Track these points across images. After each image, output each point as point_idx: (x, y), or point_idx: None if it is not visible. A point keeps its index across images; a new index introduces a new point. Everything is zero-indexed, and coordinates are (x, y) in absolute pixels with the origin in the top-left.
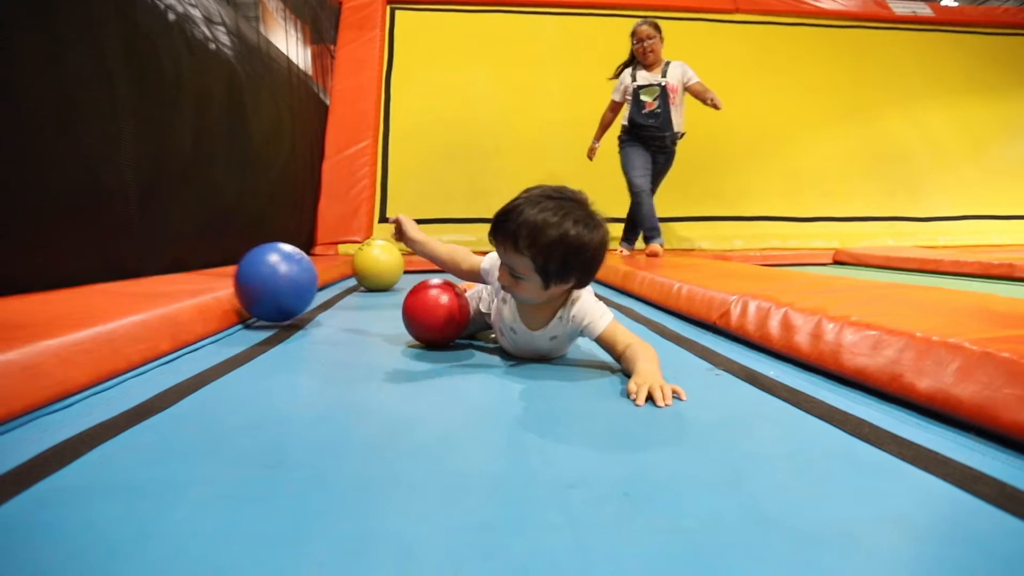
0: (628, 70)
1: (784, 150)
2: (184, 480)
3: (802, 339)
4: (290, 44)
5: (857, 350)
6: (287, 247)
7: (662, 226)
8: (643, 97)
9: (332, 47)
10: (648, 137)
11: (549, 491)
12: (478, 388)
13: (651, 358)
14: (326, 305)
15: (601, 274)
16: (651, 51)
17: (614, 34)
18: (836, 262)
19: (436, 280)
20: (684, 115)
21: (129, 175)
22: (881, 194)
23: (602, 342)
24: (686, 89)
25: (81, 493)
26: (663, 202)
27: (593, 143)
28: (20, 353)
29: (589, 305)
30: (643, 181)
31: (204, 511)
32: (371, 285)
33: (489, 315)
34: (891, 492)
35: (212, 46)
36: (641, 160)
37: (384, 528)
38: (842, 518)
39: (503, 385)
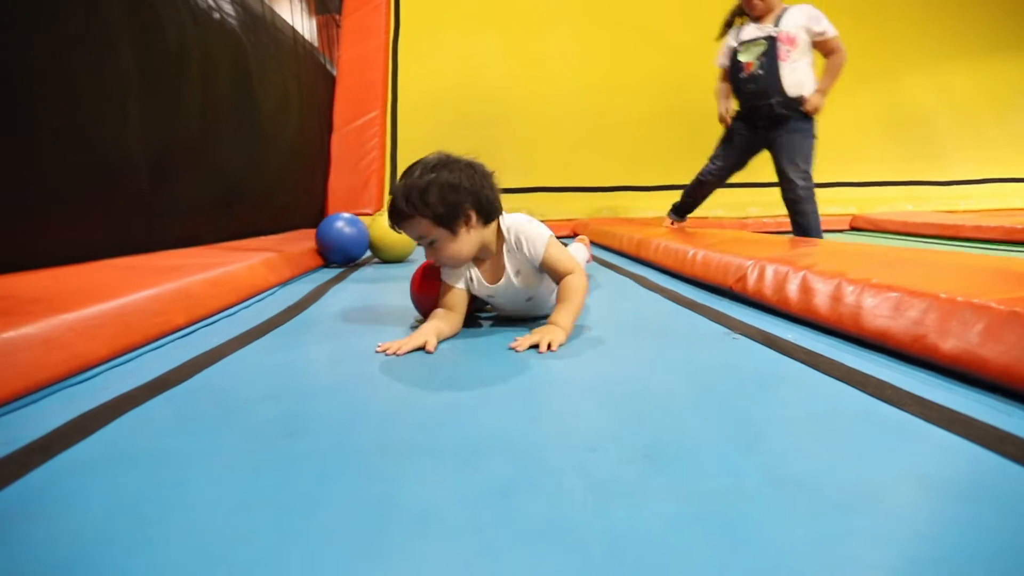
0: (734, 28)
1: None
2: (203, 450)
3: (821, 302)
4: (295, 14)
5: (879, 312)
6: (347, 215)
7: (672, 193)
8: (741, 57)
9: (338, 17)
10: (750, 109)
11: (567, 455)
12: (492, 357)
13: (571, 311)
14: (338, 278)
15: (615, 242)
16: None
17: None
18: (853, 228)
19: None
20: (812, 72)
21: (137, 149)
22: (900, 158)
23: (546, 267)
24: (814, 44)
25: (104, 463)
26: (673, 170)
27: (720, 110)
28: (39, 327)
29: (523, 226)
30: (710, 168)
31: (224, 479)
32: (385, 256)
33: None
34: (914, 452)
35: (216, 15)
36: (725, 149)
37: (403, 492)
38: (864, 479)
39: (517, 354)
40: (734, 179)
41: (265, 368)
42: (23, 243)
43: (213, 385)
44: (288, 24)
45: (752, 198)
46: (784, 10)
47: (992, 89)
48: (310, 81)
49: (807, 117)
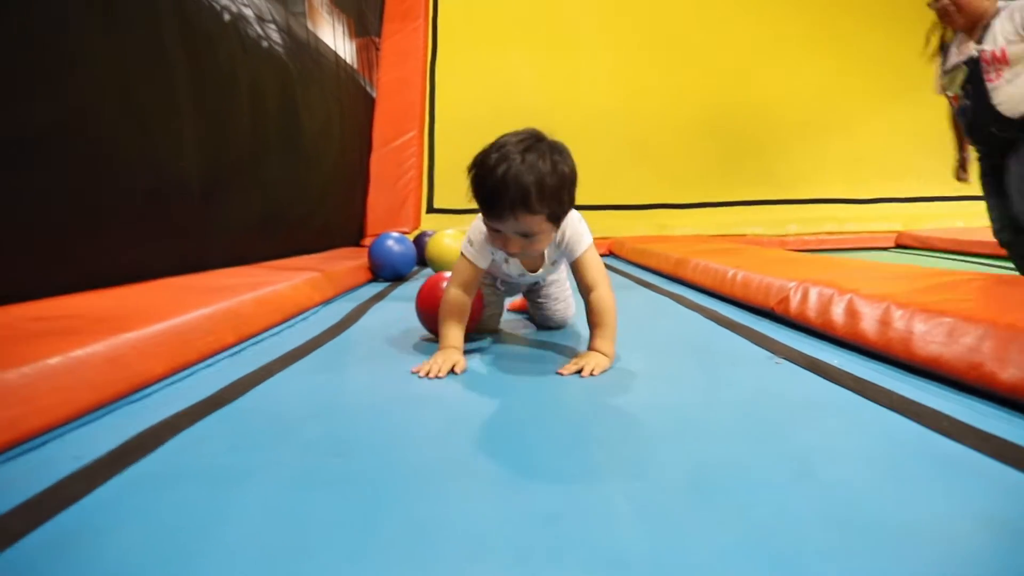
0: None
1: (842, 128)
2: (258, 467)
3: (868, 326)
4: (336, 38)
5: (930, 338)
6: (395, 234)
7: (709, 211)
8: (947, 92)
9: (377, 39)
10: (980, 143)
11: (614, 482)
12: (535, 379)
13: (610, 336)
14: (378, 296)
15: (653, 261)
16: (954, 6)
17: (656, 13)
18: (899, 246)
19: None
20: None
21: (192, 172)
22: (950, 173)
23: (576, 268)
24: None
25: (166, 478)
26: (710, 187)
27: (957, 164)
28: (105, 345)
29: (574, 222)
30: (995, 229)
31: (279, 496)
32: (442, 268)
33: (498, 290)
34: (975, 489)
35: (265, 44)
36: (990, 195)
37: (451, 514)
38: (922, 515)
39: (558, 376)
40: (771, 195)
41: (313, 386)
42: (90, 263)
43: (263, 403)
44: (330, 49)
45: (791, 215)
46: (994, 18)
47: None
48: (351, 103)
49: None
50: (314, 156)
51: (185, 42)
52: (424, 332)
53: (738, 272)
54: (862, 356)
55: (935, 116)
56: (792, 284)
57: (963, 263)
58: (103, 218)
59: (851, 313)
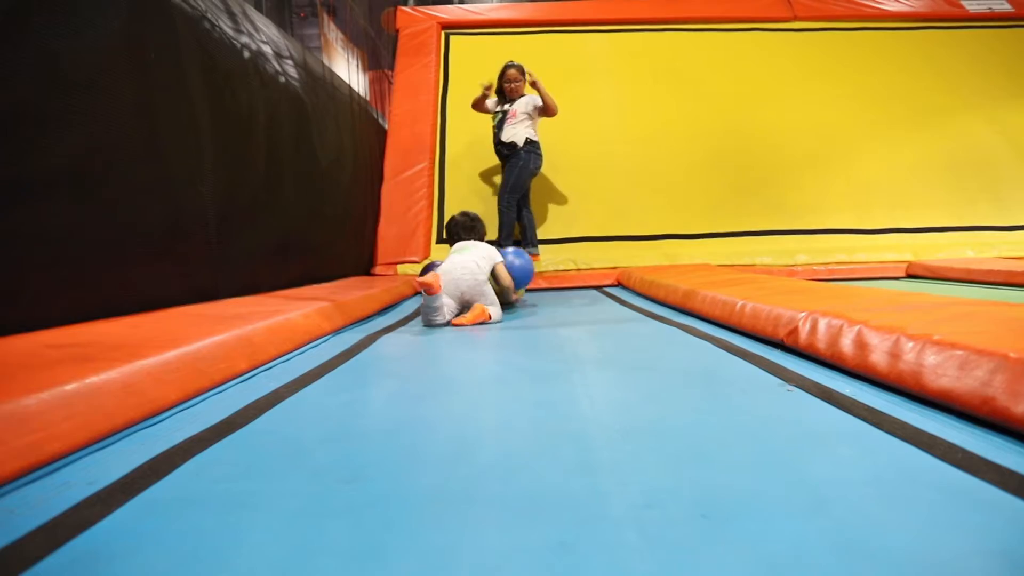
0: None
1: (849, 159)
2: (270, 493)
3: (879, 359)
4: (350, 72)
5: (942, 371)
6: (514, 249)
7: (718, 241)
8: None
9: (389, 72)
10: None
11: (625, 510)
12: (543, 403)
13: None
14: (390, 328)
15: (661, 293)
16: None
17: (664, 48)
18: (910, 275)
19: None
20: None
21: (209, 203)
22: (959, 203)
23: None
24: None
25: (178, 504)
26: (719, 218)
27: None
28: (120, 372)
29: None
30: None
31: (291, 524)
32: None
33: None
34: (992, 524)
35: (282, 79)
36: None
37: (463, 543)
38: (939, 551)
39: (569, 400)
40: (781, 226)
41: (323, 411)
42: (108, 291)
43: (275, 427)
44: (344, 82)
45: (801, 245)
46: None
47: None
48: (363, 134)
49: None
50: (327, 187)
51: (206, 79)
52: (436, 357)
53: (747, 303)
54: (875, 386)
55: (941, 147)
56: (801, 315)
57: (975, 291)
58: (122, 248)
59: (860, 345)
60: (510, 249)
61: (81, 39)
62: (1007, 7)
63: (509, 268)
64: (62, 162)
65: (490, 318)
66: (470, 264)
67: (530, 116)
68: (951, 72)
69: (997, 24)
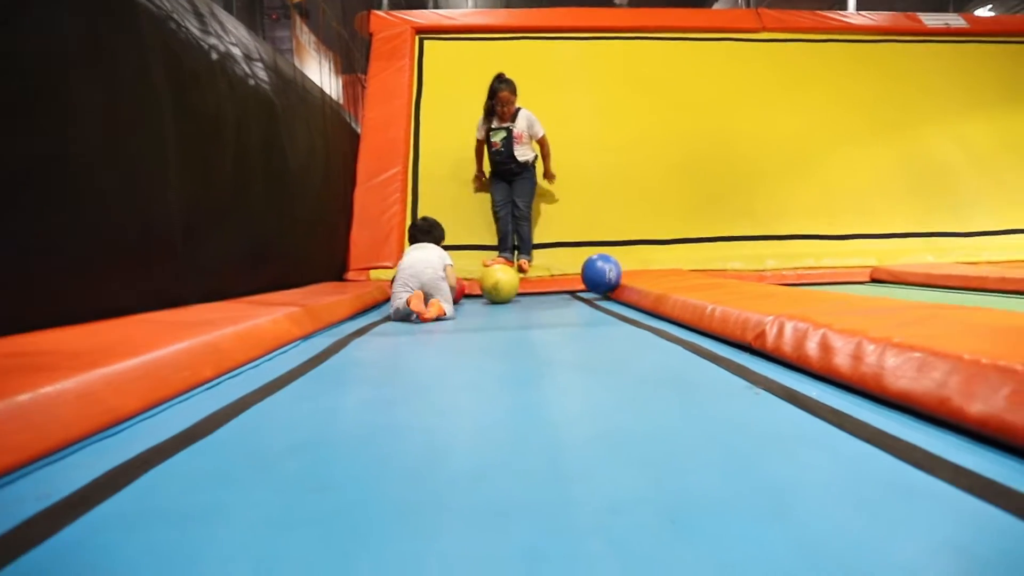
0: None
1: (815, 168)
2: (233, 504)
3: (842, 361)
4: (322, 75)
5: (901, 372)
6: (601, 255)
7: (690, 247)
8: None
9: (363, 76)
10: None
11: (591, 516)
12: (515, 409)
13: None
14: (361, 331)
15: (633, 298)
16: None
17: (636, 56)
18: (874, 280)
19: None
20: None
21: (174, 208)
22: (919, 210)
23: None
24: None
25: (136, 518)
26: (691, 224)
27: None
28: (75, 381)
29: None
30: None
31: (254, 535)
32: (492, 299)
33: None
34: (950, 522)
35: (251, 82)
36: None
37: (431, 552)
38: (899, 550)
39: (540, 405)
40: (750, 231)
41: (291, 418)
42: (69, 299)
43: (240, 436)
44: (316, 85)
45: (770, 250)
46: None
47: (1012, 139)
48: (335, 138)
49: None
50: (298, 191)
51: (172, 81)
52: (407, 361)
53: (716, 307)
54: (839, 388)
55: (902, 156)
56: (768, 319)
57: (934, 295)
58: (84, 255)
59: (825, 348)
60: (596, 255)
61: (42, 39)
62: (963, 23)
63: (602, 272)
64: (20, 166)
65: (446, 314)
66: (432, 259)
67: (530, 137)
68: (911, 84)
69: (953, 39)
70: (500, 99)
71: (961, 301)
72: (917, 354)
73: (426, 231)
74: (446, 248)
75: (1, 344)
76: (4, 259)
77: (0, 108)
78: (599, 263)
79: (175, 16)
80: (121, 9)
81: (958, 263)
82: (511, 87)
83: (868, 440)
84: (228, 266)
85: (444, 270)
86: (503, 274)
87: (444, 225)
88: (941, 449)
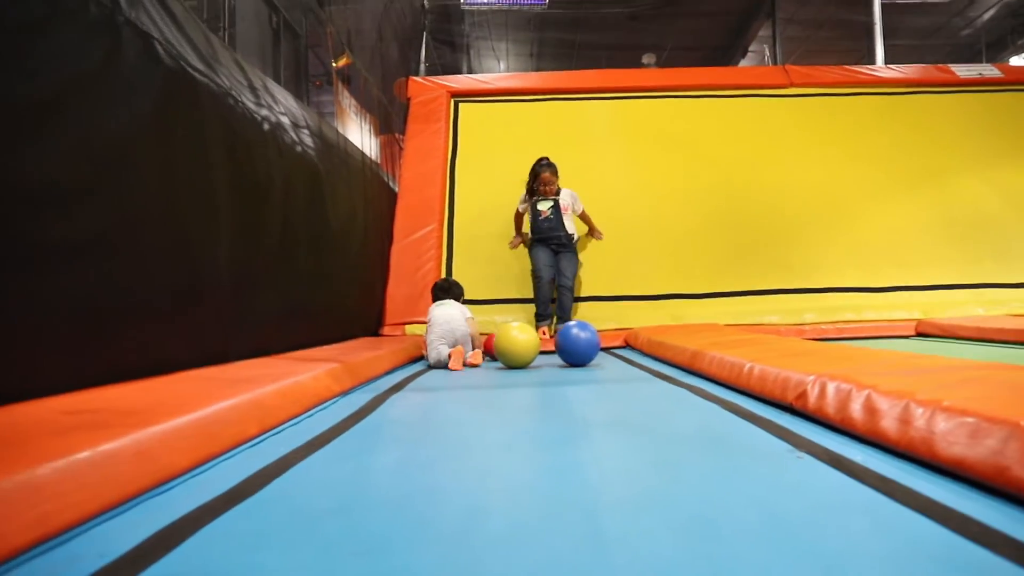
0: None
1: (850, 220)
2: (280, 566)
3: (889, 424)
4: (363, 137)
5: (953, 438)
6: (578, 322)
7: (724, 300)
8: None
9: (400, 136)
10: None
11: None
12: (551, 470)
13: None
14: (397, 387)
15: (668, 354)
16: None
17: (666, 114)
18: (920, 334)
19: None
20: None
21: (224, 268)
22: (963, 261)
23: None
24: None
25: None
26: (725, 277)
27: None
28: (132, 439)
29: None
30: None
31: None
32: (509, 362)
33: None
34: None
35: (298, 148)
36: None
37: None
38: None
39: (576, 466)
40: (787, 284)
41: (333, 478)
42: (124, 356)
43: (284, 496)
44: (357, 148)
45: (808, 304)
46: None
47: None
48: (374, 197)
49: None
50: (339, 248)
51: (227, 150)
52: (444, 418)
53: (755, 365)
54: (886, 452)
55: (940, 206)
56: (810, 378)
57: (988, 350)
58: (138, 313)
59: (870, 410)
60: (573, 322)
61: (115, 120)
62: (997, 73)
63: (575, 340)
64: (86, 230)
65: (477, 363)
66: (456, 315)
67: (573, 211)
68: (945, 134)
69: (987, 89)
70: (542, 180)
71: (1016, 357)
72: (970, 419)
73: (446, 289)
74: (481, 303)
75: (63, 401)
76: (73, 315)
77: (84, 180)
78: (575, 331)
79: (233, 92)
80: (186, 90)
81: (1011, 316)
82: (553, 169)
83: (920, 510)
84: (270, 322)
85: (467, 322)
86: (521, 334)
87: (478, 280)
88: (1000, 522)
